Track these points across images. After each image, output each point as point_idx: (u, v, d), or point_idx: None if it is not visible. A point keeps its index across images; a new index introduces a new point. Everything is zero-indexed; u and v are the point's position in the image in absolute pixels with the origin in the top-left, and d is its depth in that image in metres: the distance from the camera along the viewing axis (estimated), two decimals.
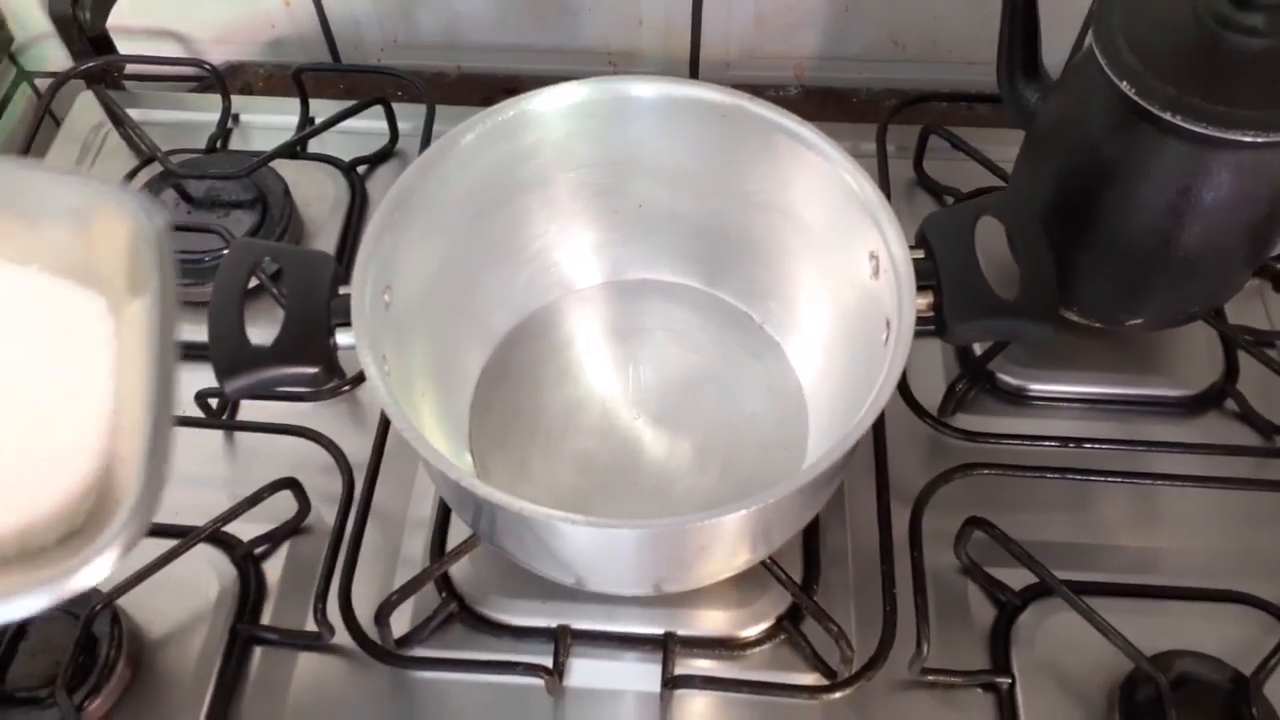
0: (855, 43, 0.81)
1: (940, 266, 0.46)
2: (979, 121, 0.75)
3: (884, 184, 0.71)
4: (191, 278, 0.64)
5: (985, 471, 0.57)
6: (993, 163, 0.70)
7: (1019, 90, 0.59)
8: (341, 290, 0.46)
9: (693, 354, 0.60)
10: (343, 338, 0.45)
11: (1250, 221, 0.52)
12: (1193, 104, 0.47)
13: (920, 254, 0.47)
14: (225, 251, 0.64)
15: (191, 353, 0.63)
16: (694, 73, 0.83)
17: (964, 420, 0.61)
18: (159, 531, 0.57)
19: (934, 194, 0.72)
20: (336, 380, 0.58)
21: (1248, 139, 0.47)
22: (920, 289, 0.46)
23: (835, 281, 0.53)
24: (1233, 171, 0.49)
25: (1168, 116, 0.47)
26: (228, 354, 0.43)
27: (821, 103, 0.82)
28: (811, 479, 0.41)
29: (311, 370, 0.44)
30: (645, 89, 0.52)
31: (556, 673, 0.52)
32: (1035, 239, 0.46)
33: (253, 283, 0.61)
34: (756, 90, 0.82)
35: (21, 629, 0.52)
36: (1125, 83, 0.49)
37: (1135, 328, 0.59)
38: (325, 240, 0.68)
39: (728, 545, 0.48)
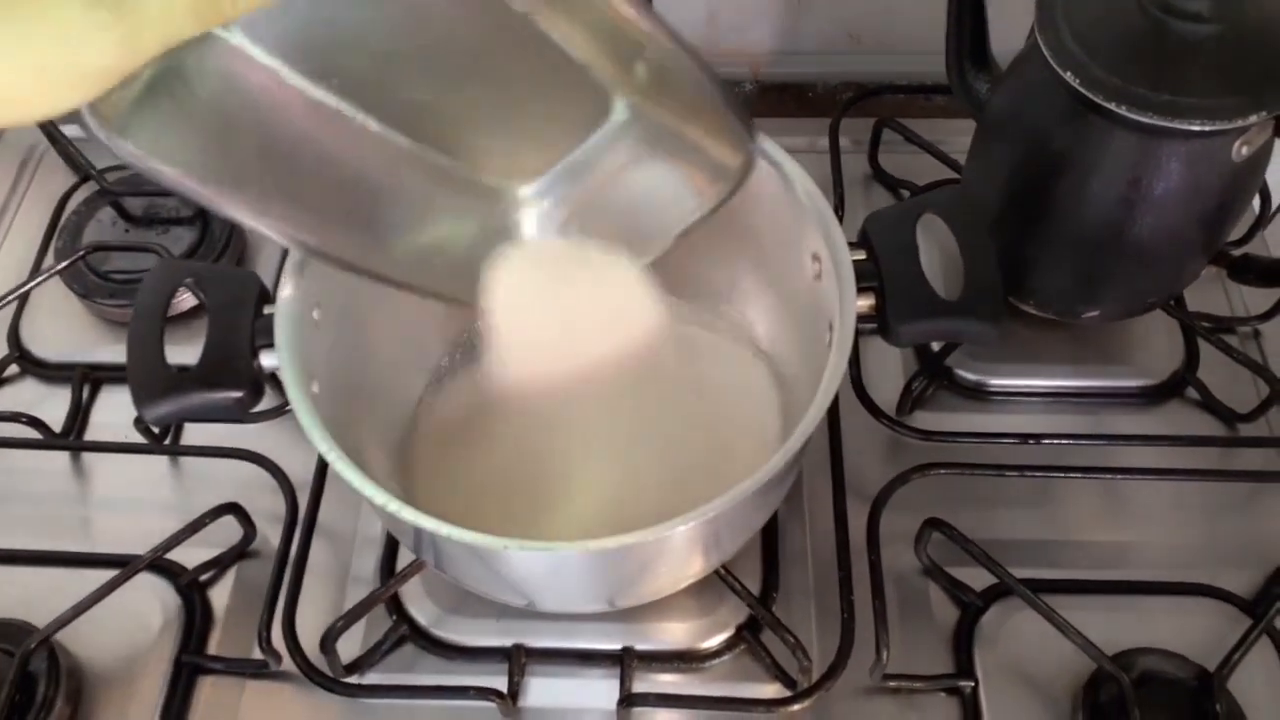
0: (810, 36, 0.79)
1: (882, 267, 0.45)
2: (936, 112, 0.74)
3: (838, 179, 0.70)
4: (128, 298, 0.62)
5: (943, 471, 0.56)
6: (946, 155, 0.68)
7: (968, 81, 0.58)
8: (267, 309, 0.45)
9: (644, 355, 0.58)
10: (267, 360, 0.44)
11: (1202, 210, 0.51)
12: (1138, 94, 0.46)
13: (862, 255, 0.46)
14: None
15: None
16: None
17: (922, 418, 0.60)
18: (98, 561, 0.56)
19: (889, 188, 0.71)
20: (277, 403, 0.57)
21: (1195, 128, 0.46)
22: (861, 290, 0.45)
23: (782, 282, 0.52)
24: (1182, 161, 0.48)
25: (1113, 107, 0.46)
26: (146, 379, 0.42)
27: (778, 98, 0.81)
28: (752, 491, 0.39)
29: (235, 395, 0.43)
30: None
31: (511, 695, 0.51)
32: (979, 236, 0.45)
33: (192, 303, 0.62)
34: None
35: None
36: (1069, 73, 0.47)
37: (1093, 319, 0.58)
38: (268, 256, 0.66)
39: (678, 558, 0.46)
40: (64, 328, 0.64)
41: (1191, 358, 0.62)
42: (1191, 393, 0.61)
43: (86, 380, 0.63)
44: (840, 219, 0.66)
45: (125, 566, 0.53)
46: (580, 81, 0.43)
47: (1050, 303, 0.58)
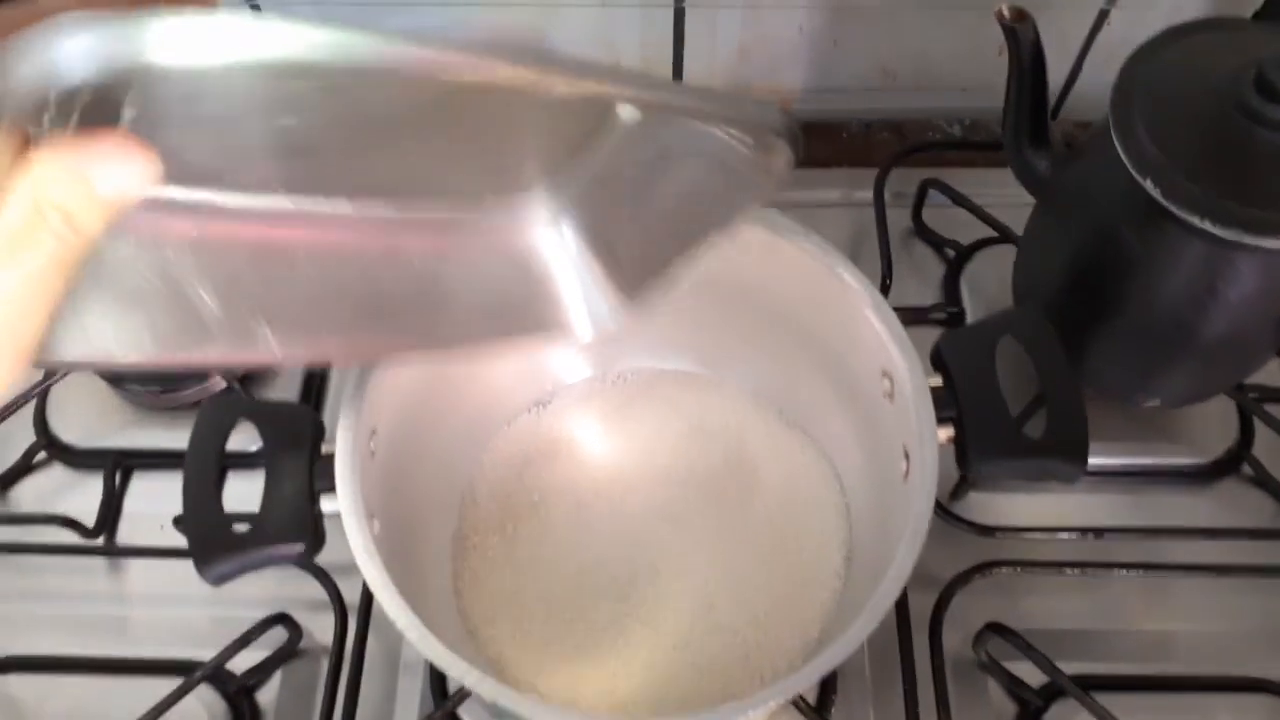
0: (844, 73, 0.77)
1: (961, 397, 0.43)
2: (981, 161, 0.72)
3: (883, 237, 0.68)
4: (160, 384, 0.60)
5: (1004, 570, 0.55)
6: (993, 217, 0.67)
7: (1027, 159, 0.56)
8: (324, 449, 0.43)
9: (700, 451, 0.56)
10: (328, 504, 0.42)
11: (1276, 314, 0.49)
12: (1222, 207, 0.44)
13: (938, 380, 0.44)
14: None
15: (166, 462, 0.61)
16: None
17: (976, 501, 0.59)
18: (142, 668, 0.55)
19: (934, 246, 0.69)
20: None
21: (1278, 246, 0.44)
22: (940, 421, 0.43)
23: (847, 391, 0.50)
24: (1261, 272, 0.47)
25: (1195, 221, 0.45)
26: (205, 538, 0.40)
27: (810, 138, 0.78)
28: (833, 666, 0.38)
29: (297, 548, 0.41)
30: None
31: None
32: (1061, 366, 0.44)
33: None
34: None
35: None
36: (1149, 181, 0.46)
37: (1153, 407, 0.57)
38: None
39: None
40: (93, 413, 0.62)
41: (1247, 434, 0.61)
42: (1246, 469, 0.60)
43: (118, 467, 0.61)
44: (888, 288, 0.65)
45: (181, 677, 0.52)
46: (568, 104, 0.35)
47: (1110, 390, 0.57)
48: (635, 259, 0.42)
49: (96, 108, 0.24)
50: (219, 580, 0.40)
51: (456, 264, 0.40)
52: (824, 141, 0.78)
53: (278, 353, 0.34)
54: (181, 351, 0.33)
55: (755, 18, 0.72)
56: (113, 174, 0.25)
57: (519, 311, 0.42)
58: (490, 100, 0.32)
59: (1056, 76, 0.76)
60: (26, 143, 0.24)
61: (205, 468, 0.41)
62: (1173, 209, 0.45)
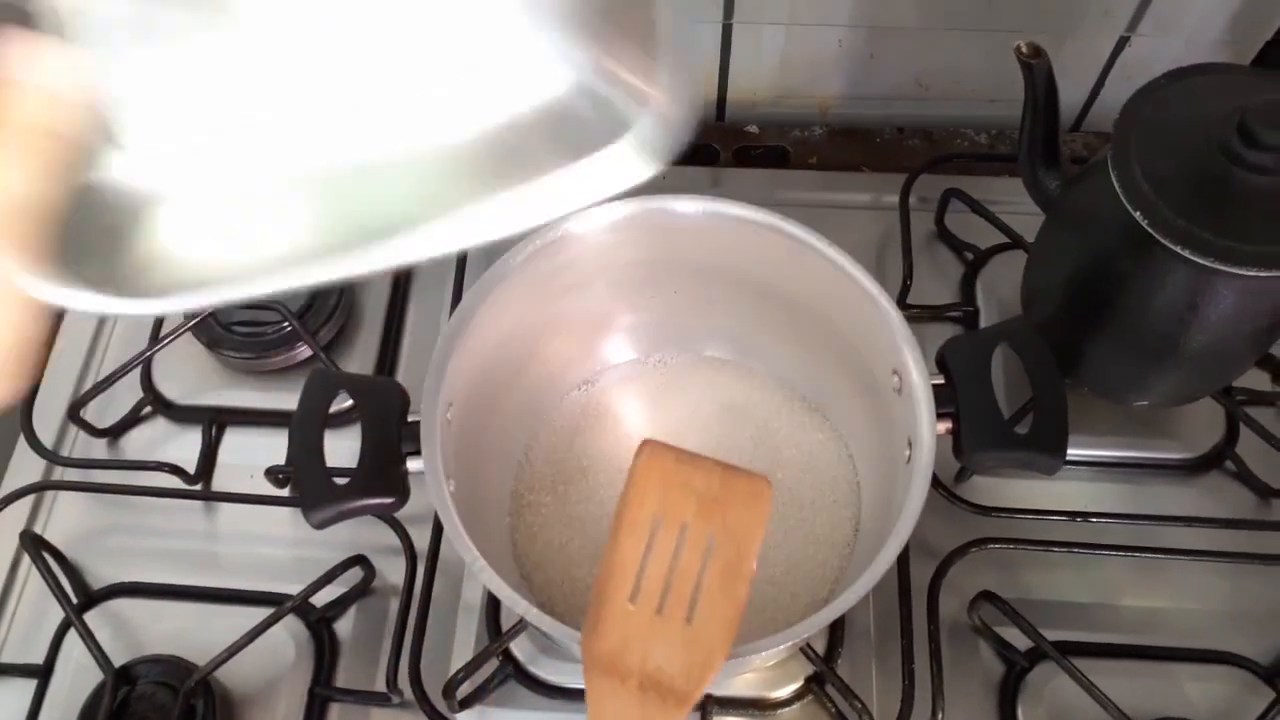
0: (879, 83, 0.83)
1: (959, 395, 0.50)
2: (1003, 170, 0.78)
3: (906, 239, 0.74)
4: (252, 351, 0.68)
5: (997, 546, 0.62)
6: (1008, 225, 0.72)
7: (1039, 179, 0.61)
8: (410, 417, 0.50)
9: (731, 429, 0.63)
10: (413, 465, 0.50)
11: (1253, 330, 0.55)
12: (1201, 238, 0.50)
13: (940, 380, 0.51)
14: (284, 325, 0.68)
15: (256, 419, 0.69)
16: (720, 113, 0.86)
17: (978, 485, 0.66)
18: (237, 598, 0.63)
19: (954, 249, 0.75)
20: None
21: (1251, 274, 0.50)
22: (939, 415, 0.50)
23: (862, 384, 0.57)
24: (1237, 294, 0.52)
25: (1178, 249, 0.50)
26: (311, 490, 0.48)
27: (845, 142, 0.84)
28: (838, 614, 0.45)
29: (387, 500, 0.49)
30: (688, 206, 0.55)
31: None
32: (1050, 374, 0.50)
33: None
34: (782, 129, 0.85)
35: (125, 702, 0.57)
36: (1139, 213, 0.51)
37: (1143, 407, 0.63)
38: (373, 313, 0.72)
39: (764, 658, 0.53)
40: (192, 374, 0.70)
41: (1232, 432, 0.67)
42: (1230, 465, 0.66)
43: (214, 423, 0.69)
44: (909, 287, 0.71)
45: (272, 607, 0.59)
46: None
47: (1103, 390, 0.63)
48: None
49: None
50: (321, 525, 0.48)
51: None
52: (859, 145, 0.84)
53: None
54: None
55: (797, 33, 0.78)
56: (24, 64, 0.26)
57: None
58: None
59: (1080, 93, 0.82)
60: None
61: (312, 430, 0.49)
62: (1159, 238, 0.51)
